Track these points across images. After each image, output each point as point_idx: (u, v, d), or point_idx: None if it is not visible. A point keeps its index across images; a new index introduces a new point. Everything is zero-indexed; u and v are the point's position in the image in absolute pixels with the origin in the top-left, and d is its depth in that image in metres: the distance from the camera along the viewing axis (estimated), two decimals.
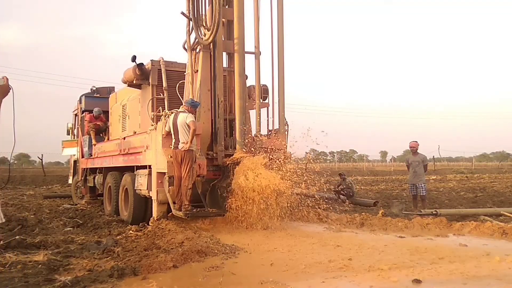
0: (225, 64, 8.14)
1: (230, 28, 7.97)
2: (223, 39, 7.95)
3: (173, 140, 6.94)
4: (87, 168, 11.84)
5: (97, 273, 4.43)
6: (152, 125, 7.67)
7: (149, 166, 7.67)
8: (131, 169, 8.69)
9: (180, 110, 7.12)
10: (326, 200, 9.32)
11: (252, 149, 7.52)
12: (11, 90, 2.86)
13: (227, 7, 7.89)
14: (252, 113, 8.25)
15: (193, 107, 7.15)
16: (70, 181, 14.13)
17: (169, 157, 6.96)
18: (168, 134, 7.11)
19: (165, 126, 7.14)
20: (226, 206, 6.97)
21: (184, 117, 6.83)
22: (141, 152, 8.11)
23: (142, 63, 8.41)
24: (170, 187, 6.99)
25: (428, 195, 10.87)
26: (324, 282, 4.01)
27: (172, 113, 7.20)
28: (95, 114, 11.36)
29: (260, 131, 8.18)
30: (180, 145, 6.80)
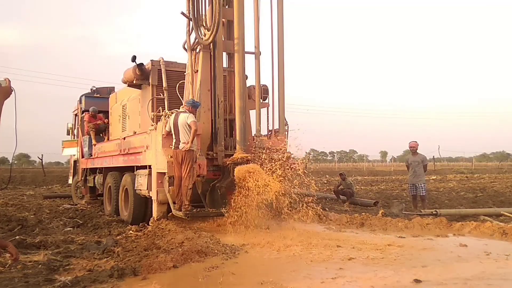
0: (225, 64, 8.13)
1: (230, 28, 7.97)
2: (223, 39, 7.95)
3: (174, 140, 6.94)
4: (87, 168, 11.83)
5: (97, 273, 4.43)
6: (152, 125, 7.66)
7: (149, 166, 7.67)
8: (131, 169, 8.69)
9: (180, 110, 7.13)
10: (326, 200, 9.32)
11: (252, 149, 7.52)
12: (13, 92, 2.86)
13: (227, 7, 7.88)
14: (252, 113, 8.26)
15: (194, 107, 7.16)
16: (70, 181, 14.12)
17: (169, 157, 6.96)
18: (169, 134, 7.11)
19: (166, 126, 7.15)
20: (227, 206, 6.95)
21: (185, 117, 6.83)
22: (141, 152, 8.10)
23: (142, 63, 8.41)
24: (170, 187, 6.99)
25: (428, 195, 10.86)
26: (324, 282, 4.01)
27: (172, 113, 7.21)
28: (91, 112, 11.37)
29: (260, 131, 8.18)
30: (181, 145, 6.80)
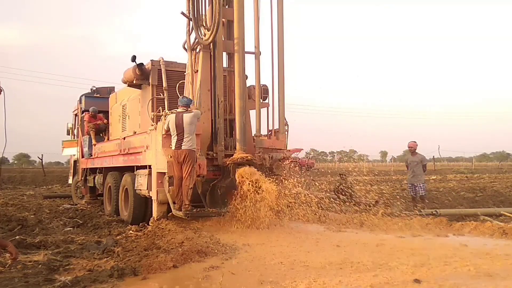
0: (225, 64, 8.13)
1: (230, 28, 7.97)
2: (223, 39, 7.95)
3: (175, 140, 6.89)
4: (87, 168, 11.84)
5: (97, 273, 4.44)
6: (152, 125, 7.66)
7: (149, 166, 7.67)
8: (131, 169, 8.69)
9: (179, 110, 7.07)
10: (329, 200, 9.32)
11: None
12: (2, 92, 2.87)
13: (227, 7, 7.88)
14: (252, 113, 8.26)
15: (188, 105, 7.14)
16: (70, 181, 14.13)
17: (169, 157, 6.96)
18: (167, 133, 7.08)
19: (164, 125, 7.11)
20: (228, 206, 6.96)
21: (192, 116, 6.84)
22: (141, 152, 8.11)
23: (142, 63, 8.41)
24: (170, 187, 6.99)
25: (428, 195, 10.85)
26: (324, 282, 4.01)
27: (172, 113, 7.19)
28: (91, 112, 11.37)
29: (260, 131, 8.18)
30: (186, 144, 6.78)
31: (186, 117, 6.83)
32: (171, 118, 6.96)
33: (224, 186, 7.25)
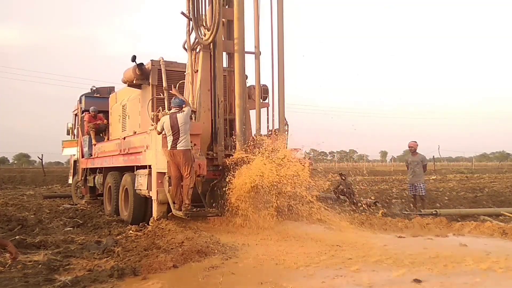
0: (225, 64, 8.13)
1: (230, 28, 7.97)
2: (223, 39, 7.95)
3: (171, 140, 6.87)
4: (87, 168, 11.83)
5: (97, 273, 4.44)
6: (152, 125, 7.66)
7: (149, 166, 7.67)
8: (131, 169, 8.69)
9: (173, 111, 7.03)
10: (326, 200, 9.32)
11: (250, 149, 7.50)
12: None
13: (227, 7, 7.88)
14: (252, 113, 8.26)
15: (181, 106, 7.11)
16: (70, 181, 14.13)
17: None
18: (160, 134, 7.06)
19: (158, 127, 7.07)
20: (226, 206, 6.95)
21: (185, 115, 6.81)
22: (141, 152, 8.10)
23: (142, 63, 8.41)
24: (170, 187, 6.99)
25: (428, 195, 10.85)
26: (324, 282, 4.01)
27: (167, 114, 7.15)
28: (91, 112, 11.38)
29: (260, 131, 8.17)
30: (182, 144, 6.75)
31: (180, 117, 6.82)
32: (166, 119, 6.93)
33: (224, 186, 7.24)
